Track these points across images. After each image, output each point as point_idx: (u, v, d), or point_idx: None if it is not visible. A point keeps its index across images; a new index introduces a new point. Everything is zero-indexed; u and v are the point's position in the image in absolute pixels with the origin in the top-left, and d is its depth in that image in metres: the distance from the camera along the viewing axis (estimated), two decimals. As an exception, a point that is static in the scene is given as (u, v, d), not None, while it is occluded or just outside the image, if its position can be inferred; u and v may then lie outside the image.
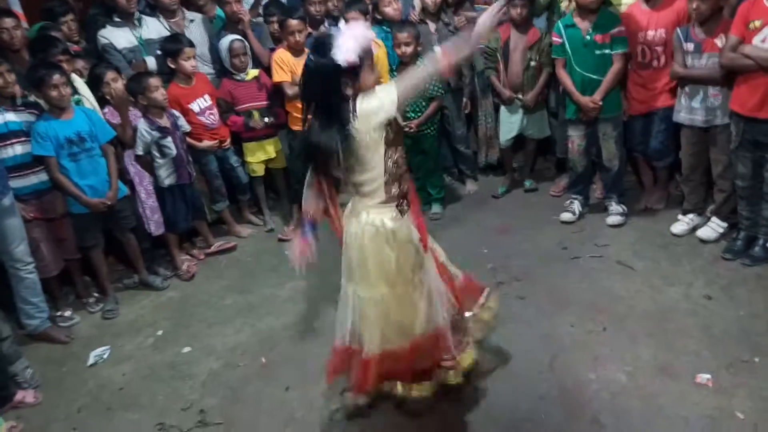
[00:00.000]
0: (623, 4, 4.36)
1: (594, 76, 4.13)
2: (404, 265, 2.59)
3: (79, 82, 4.06)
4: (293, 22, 4.38)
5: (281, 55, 4.49)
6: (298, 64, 4.48)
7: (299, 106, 4.57)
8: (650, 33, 4.00)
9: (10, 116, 3.64)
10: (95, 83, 4.10)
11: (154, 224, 4.33)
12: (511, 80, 4.71)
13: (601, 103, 4.11)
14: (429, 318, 2.64)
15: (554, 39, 4.27)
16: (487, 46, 4.75)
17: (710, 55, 3.73)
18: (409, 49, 4.31)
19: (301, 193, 4.90)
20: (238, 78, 4.66)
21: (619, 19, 4.12)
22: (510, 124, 4.85)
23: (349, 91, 2.39)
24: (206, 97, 4.52)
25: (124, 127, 4.11)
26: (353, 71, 2.37)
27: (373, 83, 2.46)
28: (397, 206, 2.55)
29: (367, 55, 2.41)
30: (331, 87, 2.36)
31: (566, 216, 4.47)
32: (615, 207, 4.36)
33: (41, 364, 3.59)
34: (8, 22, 3.98)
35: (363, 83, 2.42)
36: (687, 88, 3.89)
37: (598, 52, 4.09)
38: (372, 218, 2.56)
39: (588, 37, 4.08)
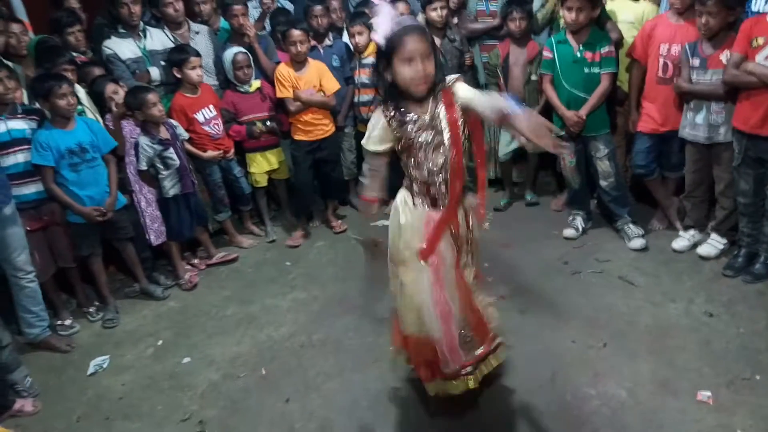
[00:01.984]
0: (622, 21, 4.39)
1: (581, 94, 4.15)
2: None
3: (82, 93, 4.08)
4: (295, 33, 4.42)
5: (282, 71, 4.54)
6: (300, 78, 4.53)
7: (302, 119, 4.63)
8: (675, 47, 3.96)
9: (12, 124, 3.64)
10: (97, 96, 4.12)
11: (154, 233, 4.32)
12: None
13: (585, 117, 4.12)
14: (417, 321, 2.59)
15: (545, 54, 4.30)
16: (488, 62, 4.78)
17: (715, 71, 3.73)
18: None
19: (305, 205, 5.00)
20: (242, 90, 4.70)
21: (610, 39, 4.14)
22: (509, 138, 4.87)
23: (387, 76, 2.41)
24: (211, 107, 4.55)
25: (116, 136, 4.11)
26: (385, 54, 2.37)
27: (413, 80, 2.35)
28: (414, 196, 2.57)
29: (397, 42, 2.32)
30: (376, 64, 2.50)
31: (569, 232, 4.46)
32: (633, 230, 4.27)
33: (41, 372, 3.59)
34: (16, 27, 4.01)
35: (398, 72, 2.36)
36: (692, 104, 3.89)
37: (586, 70, 4.10)
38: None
39: (578, 54, 4.10)
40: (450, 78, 2.47)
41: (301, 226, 4.98)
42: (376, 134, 2.53)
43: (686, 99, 3.94)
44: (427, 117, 2.43)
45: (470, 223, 2.64)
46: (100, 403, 3.34)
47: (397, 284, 2.64)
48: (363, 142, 2.60)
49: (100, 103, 4.15)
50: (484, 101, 2.36)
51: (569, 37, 4.15)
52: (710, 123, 3.81)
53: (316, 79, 4.59)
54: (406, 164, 2.54)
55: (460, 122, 2.44)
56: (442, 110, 2.43)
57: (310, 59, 4.61)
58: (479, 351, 2.76)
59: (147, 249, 4.38)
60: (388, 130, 2.49)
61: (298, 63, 4.55)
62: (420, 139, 2.45)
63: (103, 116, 4.16)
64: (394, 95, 2.47)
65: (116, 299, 4.24)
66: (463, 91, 2.43)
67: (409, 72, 2.34)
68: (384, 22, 2.37)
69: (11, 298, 3.65)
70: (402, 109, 2.45)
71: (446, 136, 2.43)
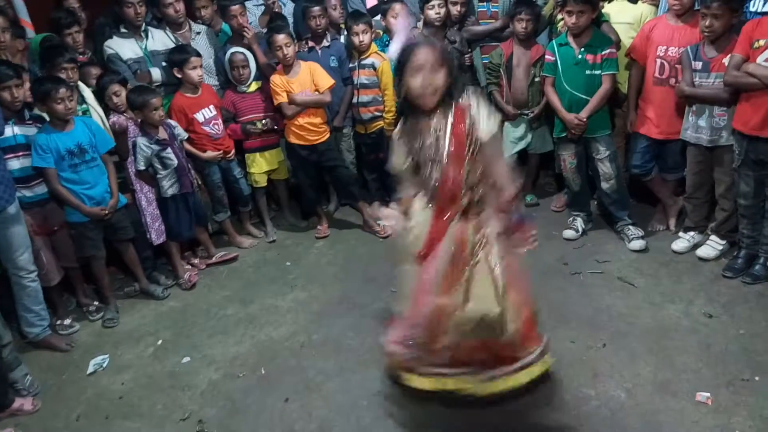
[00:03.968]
0: (616, 22, 4.38)
1: (582, 96, 4.15)
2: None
3: (87, 92, 4.09)
4: (279, 37, 4.44)
5: (275, 79, 4.58)
6: (291, 82, 4.56)
7: (297, 122, 4.64)
8: (672, 49, 3.97)
9: (19, 129, 3.65)
10: (102, 93, 4.13)
11: (155, 232, 4.32)
12: (515, 96, 4.73)
13: (586, 120, 4.13)
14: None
15: (547, 57, 4.31)
16: (490, 62, 4.78)
17: (718, 75, 3.71)
18: None
19: (311, 205, 5.01)
20: (241, 90, 4.71)
21: (611, 41, 4.15)
22: (513, 141, 4.87)
23: (396, 82, 2.49)
24: (211, 107, 4.55)
25: (120, 139, 4.13)
26: (398, 67, 2.46)
27: (418, 92, 2.44)
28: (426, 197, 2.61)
29: (407, 54, 2.42)
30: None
31: (569, 233, 4.46)
32: (633, 231, 4.27)
33: (41, 371, 3.59)
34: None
35: (407, 84, 2.44)
36: (694, 107, 3.89)
37: (588, 72, 4.11)
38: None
39: (580, 56, 4.11)
40: (469, 97, 2.53)
41: (319, 216, 5.06)
42: (399, 153, 2.57)
43: (689, 102, 3.93)
44: (432, 131, 2.49)
45: (484, 238, 2.58)
46: (100, 402, 3.34)
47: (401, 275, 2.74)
48: (391, 166, 2.62)
49: (104, 100, 4.16)
50: (503, 168, 2.54)
51: (570, 39, 4.15)
52: (713, 126, 3.81)
53: (308, 79, 4.59)
54: (419, 177, 2.58)
55: (466, 138, 2.47)
56: (448, 124, 2.48)
57: (300, 61, 4.61)
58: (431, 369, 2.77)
59: (147, 248, 4.38)
60: (403, 149, 2.55)
61: (288, 67, 4.56)
62: (425, 155, 2.51)
63: (107, 115, 4.16)
64: (407, 109, 2.53)
65: (116, 299, 4.24)
66: (488, 128, 2.49)
67: (416, 83, 2.41)
68: (401, 35, 2.51)
69: (12, 297, 3.65)
70: (412, 124, 2.51)
71: (446, 151, 2.47)
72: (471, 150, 2.48)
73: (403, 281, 2.75)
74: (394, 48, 2.49)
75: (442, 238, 2.58)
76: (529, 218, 2.68)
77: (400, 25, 2.53)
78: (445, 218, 2.57)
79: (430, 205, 2.59)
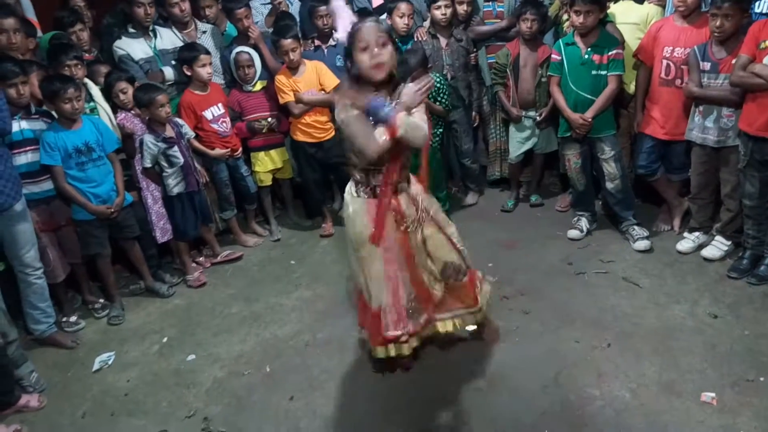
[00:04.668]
0: (622, 23, 4.37)
1: (588, 96, 4.15)
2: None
3: (95, 89, 4.10)
4: (286, 42, 4.46)
5: (281, 79, 4.59)
6: (298, 81, 4.57)
7: (304, 120, 4.65)
8: (678, 50, 3.97)
9: (26, 124, 3.67)
10: (109, 91, 4.14)
11: (160, 231, 4.33)
12: (521, 96, 4.73)
13: (590, 120, 4.13)
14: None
15: (553, 56, 4.32)
16: (497, 62, 4.77)
17: (727, 76, 3.70)
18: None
19: (317, 204, 5.00)
20: (246, 89, 4.72)
21: (618, 41, 4.14)
22: (519, 141, 4.87)
23: (348, 65, 2.72)
24: (220, 105, 4.57)
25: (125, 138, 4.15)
26: (348, 47, 2.67)
27: (369, 65, 2.61)
28: (357, 186, 2.85)
29: (355, 33, 2.61)
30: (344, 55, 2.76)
31: (573, 233, 4.46)
32: (638, 231, 4.27)
33: (46, 368, 3.60)
34: (9, 23, 3.91)
35: (358, 61, 2.63)
36: (701, 107, 3.88)
37: (594, 72, 4.12)
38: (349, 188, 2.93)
39: (586, 56, 4.11)
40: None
41: (324, 215, 5.06)
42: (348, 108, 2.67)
43: (696, 103, 3.92)
44: None
45: (420, 204, 2.90)
46: (105, 399, 3.35)
47: (358, 265, 2.96)
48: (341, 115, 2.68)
49: (112, 98, 4.17)
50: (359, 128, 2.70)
51: (577, 39, 4.15)
52: (721, 127, 3.80)
53: (314, 78, 4.60)
54: (351, 150, 2.75)
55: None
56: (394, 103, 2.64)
57: (305, 60, 4.63)
58: (423, 318, 3.07)
59: (153, 247, 4.39)
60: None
61: (293, 69, 4.58)
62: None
63: (115, 113, 4.18)
64: (357, 84, 2.70)
65: (122, 297, 4.25)
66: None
67: (366, 58, 2.60)
68: (344, 20, 2.66)
69: (19, 294, 3.66)
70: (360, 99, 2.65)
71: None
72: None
73: (364, 266, 2.92)
74: (342, 32, 2.66)
75: (386, 214, 2.81)
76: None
77: (341, 11, 2.67)
78: (384, 193, 2.79)
79: (362, 186, 2.81)
